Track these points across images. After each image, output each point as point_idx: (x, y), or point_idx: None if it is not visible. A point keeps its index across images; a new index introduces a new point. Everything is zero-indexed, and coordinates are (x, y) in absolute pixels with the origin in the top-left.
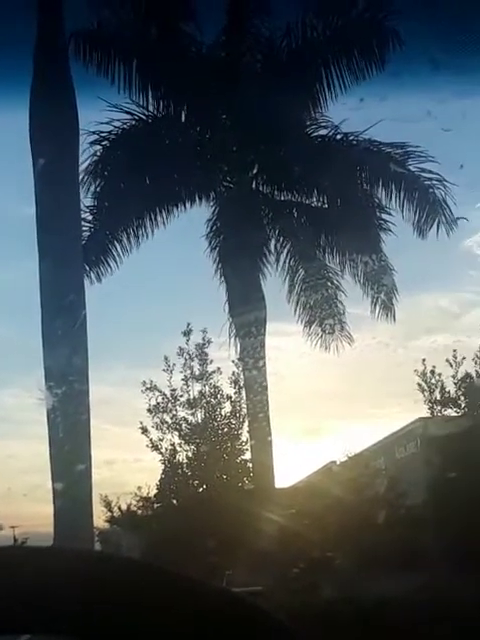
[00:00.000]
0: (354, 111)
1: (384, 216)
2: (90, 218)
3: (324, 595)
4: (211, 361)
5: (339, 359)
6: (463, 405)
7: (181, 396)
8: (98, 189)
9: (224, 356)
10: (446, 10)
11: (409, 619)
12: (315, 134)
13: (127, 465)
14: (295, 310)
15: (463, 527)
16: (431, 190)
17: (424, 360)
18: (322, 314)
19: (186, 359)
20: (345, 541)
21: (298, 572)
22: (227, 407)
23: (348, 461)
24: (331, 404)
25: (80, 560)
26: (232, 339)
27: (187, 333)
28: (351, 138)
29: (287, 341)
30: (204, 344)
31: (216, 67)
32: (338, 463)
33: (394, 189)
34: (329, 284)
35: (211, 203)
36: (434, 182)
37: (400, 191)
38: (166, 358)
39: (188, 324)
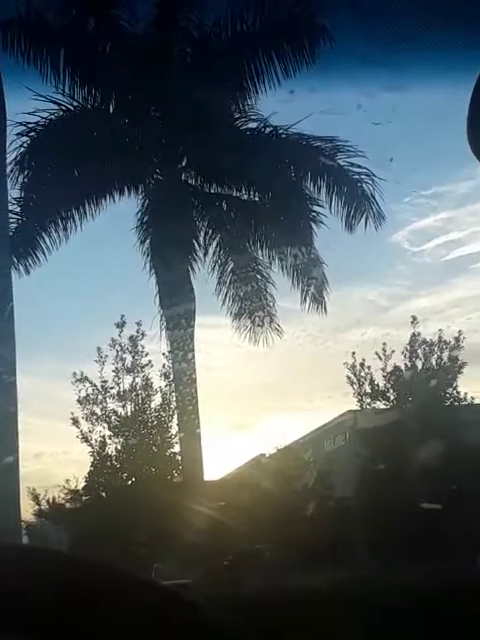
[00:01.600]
0: (284, 103)
1: (315, 209)
2: (18, 210)
3: (253, 587)
4: (146, 354)
5: (269, 352)
6: (392, 398)
7: (112, 388)
8: (26, 180)
9: (156, 348)
10: (375, 6)
11: (337, 610)
12: (244, 127)
13: (55, 458)
14: (224, 302)
15: (391, 518)
16: (360, 184)
17: (354, 353)
18: (251, 306)
19: (118, 351)
20: (274, 533)
21: (227, 564)
22: (157, 400)
23: (277, 454)
24: (260, 397)
25: (7, 554)
26: (163, 331)
27: (120, 325)
28: (281, 131)
29: (217, 334)
30: (137, 336)
31: (145, 58)
32: (267, 456)
33: (323, 183)
34: (259, 276)
35: (140, 195)
36: (363, 176)
37: (329, 185)
38: (99, 349)
39: (122, 316)
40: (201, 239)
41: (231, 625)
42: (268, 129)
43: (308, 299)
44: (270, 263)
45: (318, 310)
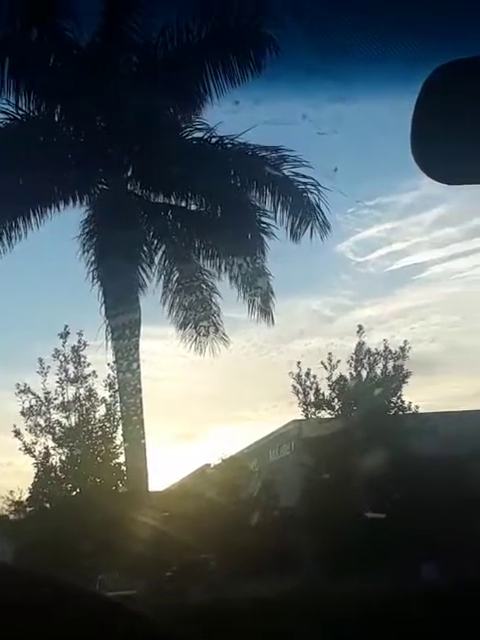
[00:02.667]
0: (229, 114)
1: (260, 219)
2: None
3: (198, 597)
4: (88, 364)
5: (214, 362)
6: (337, 407)
7: (55, 399)
8: None
9: (100, 359)
10: (322, 17)
11: (282, 619)
12: (190, 137)
13: None
14: (170, 312)
15: (335, 528)
16: (305, 194)
17: (299, 363)
18: (197, 316)
19: (61, 361)
20: (219, 543)
21: (172, 575)
22: (102, 410)
23: (222, 464)
24: (205, 407)
25: None
26: (108, 342)
27: (63, 335)
28: (226, 141)
29: (162, 344)
30: (80, 346)
31: (91, 67)
32: (212, 466)
33: (269, 192)
34: (204, 286)
35: (86, 204)
36: (308, 186)
37: (275, 195)
38: (41, 360)
39: (65, 326)
40: (146, 249)
41: (176, 635)
42: (214, 139)
43: (255, 309)
44: (216, 273)
45: (266, 320)
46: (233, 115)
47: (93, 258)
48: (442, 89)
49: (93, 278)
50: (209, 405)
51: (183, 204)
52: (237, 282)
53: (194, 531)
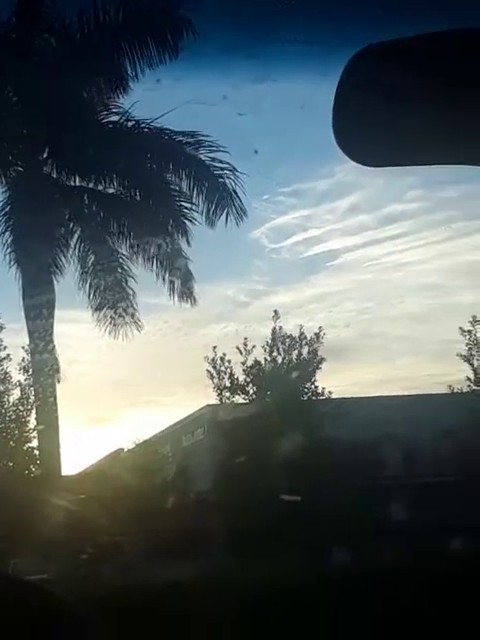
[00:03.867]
0: (149, 92)
1: (177, 203)
2: None
3: (112, 580)
4: (5, 347)
5: (128, 345)
6: (252, 392)
7: None
8: None
9: (18, 342)
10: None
11: (196, 602)
12: (107, 119)
13: None
14: (85, 295)
15: (249, 511)
16: (222, 179)
17: (215, 347)
18: (113, 299)
19: None
20: (133, 527)
21: (86, 558)
22: (16, 393)
23: (136, 448)
24: (120, 391)
25: None
26: (24, 324)
27: None
28: (143, 124)
29: (77, 327)
30: None
31: (7, 48)
32: (126, 450)
33: (185, 177)
34: (120, 269)
35: (1, 186)
36: (225, 171)
37: (191, 179)
38: None
39: None
40: (62, 231)
41: (89, 616)
42: (131, 122)
43: (175, 292)
44: (132, 256)
45: (187, 301)
46: (152, 94)
47: (9, 240)
48: (364, 70)
49: (10, 260)
50: (123, 389)
51: (99, 187)
52: (154, 264)
53: (108, 515)
